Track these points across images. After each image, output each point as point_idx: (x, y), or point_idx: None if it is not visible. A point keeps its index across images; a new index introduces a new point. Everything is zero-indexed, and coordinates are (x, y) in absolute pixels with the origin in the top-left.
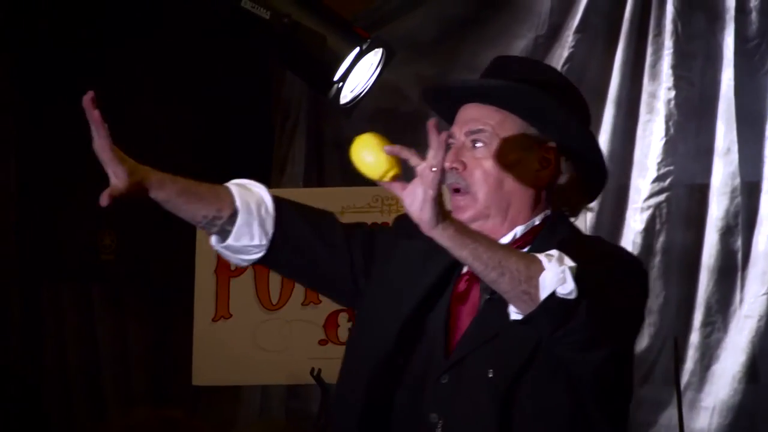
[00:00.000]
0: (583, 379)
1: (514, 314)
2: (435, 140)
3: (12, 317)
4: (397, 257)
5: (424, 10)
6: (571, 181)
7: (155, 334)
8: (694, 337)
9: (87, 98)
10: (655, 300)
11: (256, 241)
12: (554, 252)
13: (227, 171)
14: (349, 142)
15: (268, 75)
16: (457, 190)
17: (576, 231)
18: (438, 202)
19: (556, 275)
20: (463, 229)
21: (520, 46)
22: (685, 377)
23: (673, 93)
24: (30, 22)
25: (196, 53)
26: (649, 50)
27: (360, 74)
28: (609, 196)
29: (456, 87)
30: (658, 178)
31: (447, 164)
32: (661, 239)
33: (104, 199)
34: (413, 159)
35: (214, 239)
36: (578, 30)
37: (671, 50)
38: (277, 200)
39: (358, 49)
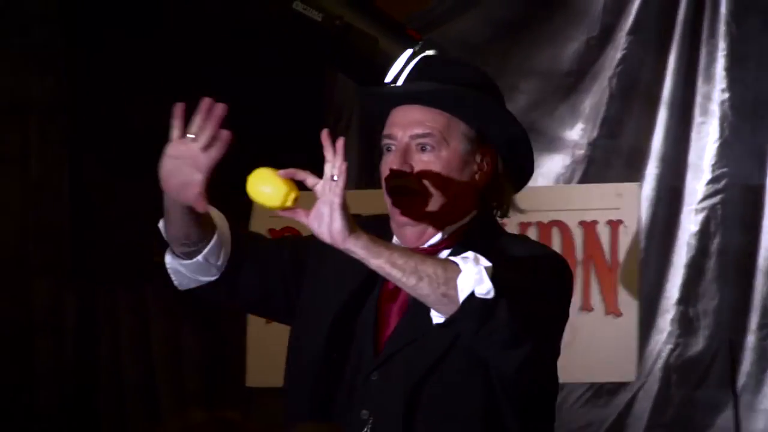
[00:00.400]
0: (505, 378)
1: (437, 318)
2: (330, 150)
3: (67, 320)
4: (327, 259)
5: (476, 12)
6: (504, 180)
7: (209, 336)
8: (750, 340)
9: (178, 109)
10: (710, 302)
11: (220, 262)
12: (469, 254)
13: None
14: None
15: (321, 77)
16: (401, 193)
17: (501, 230)
18: (346, 211)
19: (472, 276)
20: (374, 239)
21: (572, 48)
22: (741, 380)
23: (727, 95)
24: (84, 22)
25: (249, 55)
26: (703, 52)
27: None
28: (663, 199)
29: (404, 91)
30: (713, 180)
31: (394, 166)
32: (716, 241)
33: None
34: (309, 179)
35: (171, 257)
36: (631, 32)
37: (725, 52)
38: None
39: (410, 51)
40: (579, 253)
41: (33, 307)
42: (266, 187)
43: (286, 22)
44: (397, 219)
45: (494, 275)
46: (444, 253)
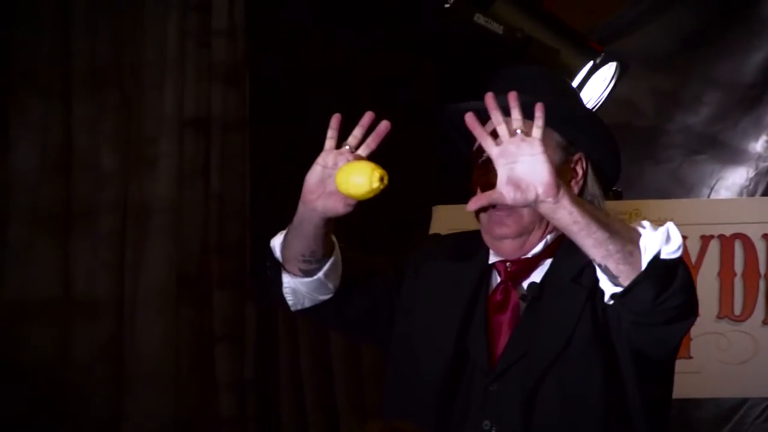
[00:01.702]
0: (652, 364)
1: (612, 289)
2: (484, 127)
3: (248, 332)
4: (426, 277)
5: (659, 23)
6: (599, 187)
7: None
8: None
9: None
10: None
11: (336, 282)
12: (644, 222)
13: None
14: None
15: None
16: (499, 207)
17: None
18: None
19: (658, 236)
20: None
21: (757, 58)
22: None
23: None
24: (269, 37)
25: (428, 68)
26: None
27: (594, 88)
28: None
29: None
30: None
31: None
32: None
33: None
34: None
35: (289, 276)
36: None
37: None
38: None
39: (591, 62)
40: (762, 266)
41: (214, 319)
42: (353, 177)
43: (467, 34)
44: (496, 233)
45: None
46: (546, 263)
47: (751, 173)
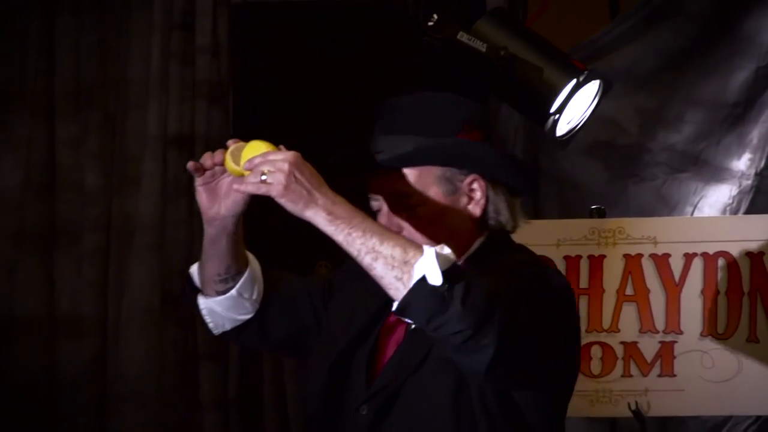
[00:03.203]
0: (481, 387)
1: (395, 306)
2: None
3: (231, 351)
4: (344, 295)
5: (642, 41)
6: (503, 200)
7: None
8: None
9: (191, 167)
10: None
11: (254, 297)
12: (441, 246)
13: None
14: (565, 174)
15: (484, 107)
16: None
17: (510, 250)
18: (302, 169)
19: (427, 262)
20: (340, 206)
21: (740, 77)
22: None
23: None
24: (251, 56)
25: (412, 84)
26: None
27: (577, 106)
28: None
29: (365, 162)
30: None
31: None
32: None
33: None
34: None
35: (203, 298)
36: None
37: None
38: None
39: (575, 80)
40: (746, 284)
41: (198, 337)
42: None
43: (450, 53)
44: None
45: (454, 269)
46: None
47: (735, 191)
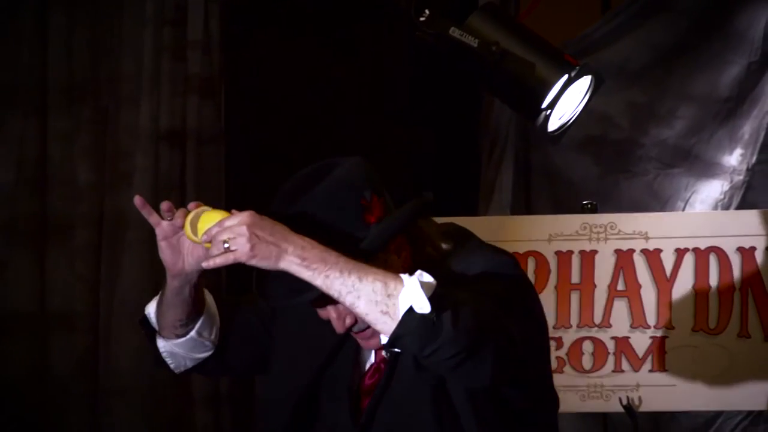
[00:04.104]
0: (477, 398)
1: (384, 340)
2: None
3: None
4: (298, 317)
5: (634, 36)
6: (422, 237)
7: None
8: None
9: (138, 202)
10: None
11: (213, 336)
12: (419, 272)
13: (435, 198)
14: (556, 169)
15: (476, 102)
16: (359, 331)
17: (452, 268)
18: (257, 241)
19: (412, 291)
20: (311, 249)
21: (731, 72)
22: None
23: None
24: (243, 50)
25: (405, 80)
26: None
27: (568, 101)
28: None
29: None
30: None
31: (341, 330)
32: None
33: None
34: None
35: (163, 341)
36: None
37: None
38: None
39: (566, 76)
40: (737, 279)
41: None
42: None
43: (442, 48)
44: (370, 346)
45: (437, 294)
46: None
47: (726, 186)
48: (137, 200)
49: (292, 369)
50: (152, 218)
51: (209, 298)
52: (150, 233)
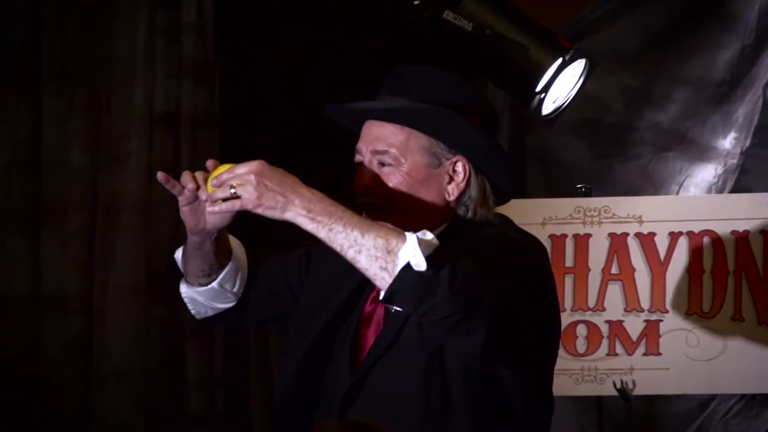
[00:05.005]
0: (475, 371)
1: (381, 295)
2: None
3: (218, 330)
4: (319, 276)
5: (628, 20)
6: (480, 191)
7: None
8: None
9: (161, 177)
10: None
11: (236, 288)
12: (423, 231)
13: None
14: (551, 152)
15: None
16: (368, 209)
17: (479, 225)
18: (265, 189)
19: (411, 248)
20: (319, 202)
21: (726, 55)
22: None
23: None
24: (237, 34)
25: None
26: None
27: (563, 85)
28: None
29: (360, 109)
30: None
31: (360, 183)
32: None
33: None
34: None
35: (185, 286)
36: None
37: None
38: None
39: (560, 59)
40: (731, 263)
41: (184, 316)
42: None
43: (436, 31)
44: None
45: (438, 253)
46: None
47: (720, 170)
48: (160, 176)
49: (312, 317)
50: (176, 189)
51: (240, 250)
52: (145, 216)
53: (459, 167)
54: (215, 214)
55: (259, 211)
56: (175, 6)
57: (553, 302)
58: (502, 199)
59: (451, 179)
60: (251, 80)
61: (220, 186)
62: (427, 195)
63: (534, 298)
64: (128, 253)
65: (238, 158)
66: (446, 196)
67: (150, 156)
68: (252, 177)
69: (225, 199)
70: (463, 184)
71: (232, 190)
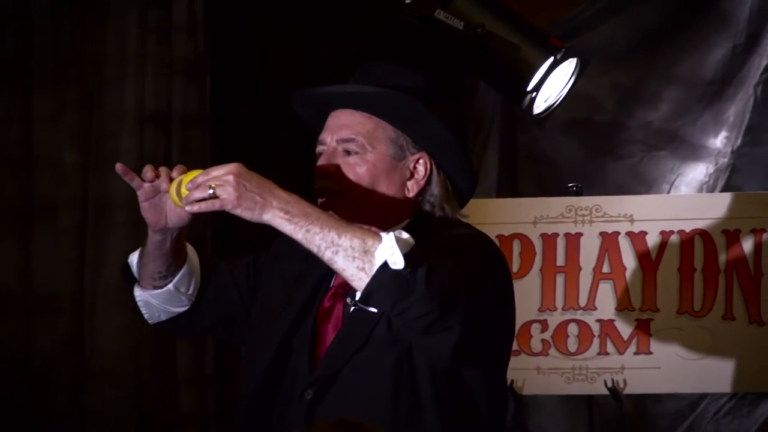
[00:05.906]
0: (442, 372)
1: (358, 296)
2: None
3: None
4: (274, 280)
5: (620, 19)
6: (443, 189)
7: None
8: None
9: (120, 168)
10: None
11: (190, 291)
12: (398, 231)
13: None
14: (542, 151)
15: (461, 86)
16: (324, 194)
17: (443, 225)
18: (244, 190)
19: (388, 247)
20: (295, 204)
21: (717, 54)
22: None
23: None
24: (228, 33)
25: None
26: None
27: (554, 84)
28: None
29: (329, 92)
30: None
31: (319, 168)
32: None
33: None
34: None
35: (139, 290)
36: None
37: None
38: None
39: (552, 58)
40: (722, 262)
41: None
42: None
43: (427, 30)
44: None
45: (414, 252)
46: None
47: (711, 169)
48: (119, 167)
49: (274, 319)
50: (135, 182)
51: (193, 254)
52: (136, 215)
53: (420, 165)
54: (192, 212)
55: (238, 211)
56: (167, 5)
57: (513, 303)
58: (462, 200)
59: (412, 175)
60: (242, 79)
61: (196, 188)
62: (388, 188)
63: (498, 298)
64: (119, 251)
65: (228, 158)
66: (406, 191)
67: (141, 155)
68: (231, 178)
69: (203, 200)
70: (423, 182)
71: (211, 191)
